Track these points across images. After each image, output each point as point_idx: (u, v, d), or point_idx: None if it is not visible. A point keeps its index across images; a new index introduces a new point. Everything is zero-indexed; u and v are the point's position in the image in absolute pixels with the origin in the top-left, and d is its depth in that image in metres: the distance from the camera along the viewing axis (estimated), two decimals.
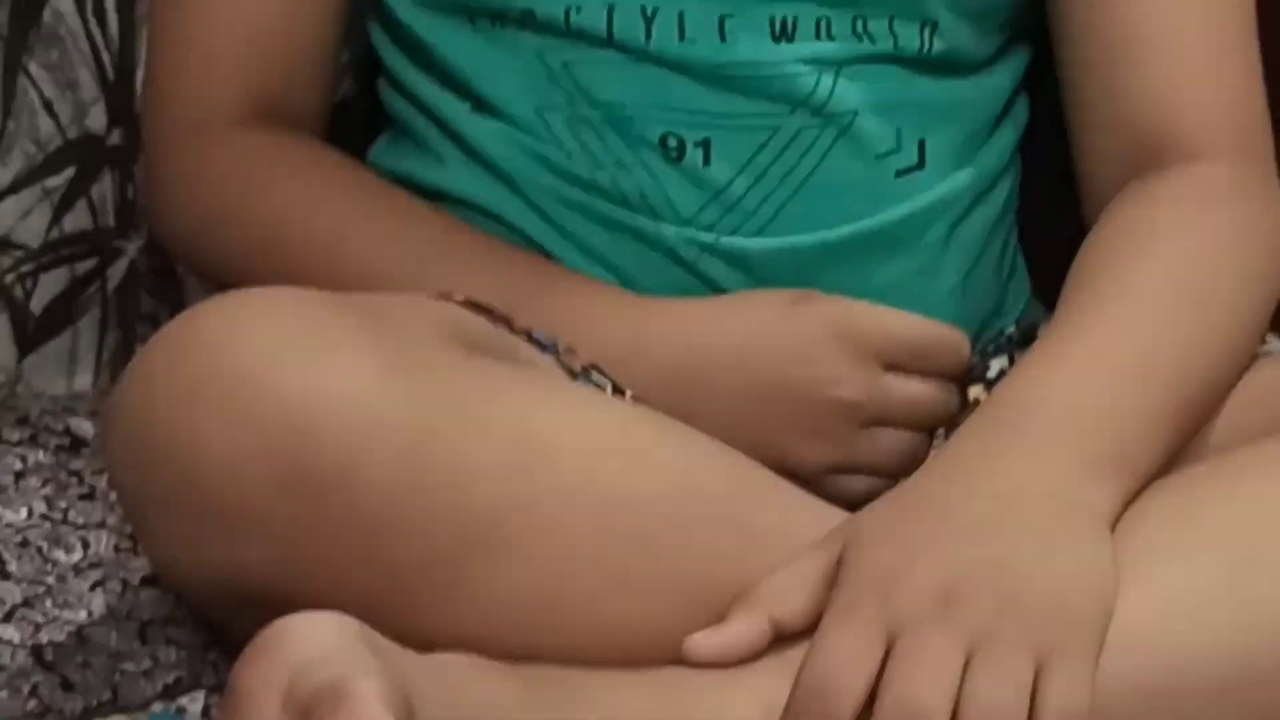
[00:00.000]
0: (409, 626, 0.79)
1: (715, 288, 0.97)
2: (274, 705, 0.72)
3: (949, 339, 0.95)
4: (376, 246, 0.95)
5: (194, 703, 0.85)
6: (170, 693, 0.86)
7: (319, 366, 0.79)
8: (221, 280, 0.96)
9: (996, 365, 1.00)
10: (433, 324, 0.85)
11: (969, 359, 0.96)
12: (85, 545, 0.95)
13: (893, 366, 0.93)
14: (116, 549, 0.95)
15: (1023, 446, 0.84)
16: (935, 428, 0.95)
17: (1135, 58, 0.97)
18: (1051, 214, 1.03)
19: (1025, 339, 1.01)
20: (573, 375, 0.91)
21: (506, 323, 0.91)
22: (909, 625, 0.79)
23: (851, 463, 0.93)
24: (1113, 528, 0.84)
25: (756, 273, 0.96)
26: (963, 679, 0.78)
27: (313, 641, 0.73)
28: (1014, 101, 1.04)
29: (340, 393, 0.78)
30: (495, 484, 0.80)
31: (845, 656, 0.79)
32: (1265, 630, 0.81)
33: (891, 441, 0.93)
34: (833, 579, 0.82)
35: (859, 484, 0.93)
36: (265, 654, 0.73)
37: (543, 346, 0.91)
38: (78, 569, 0.93)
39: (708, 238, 0.96)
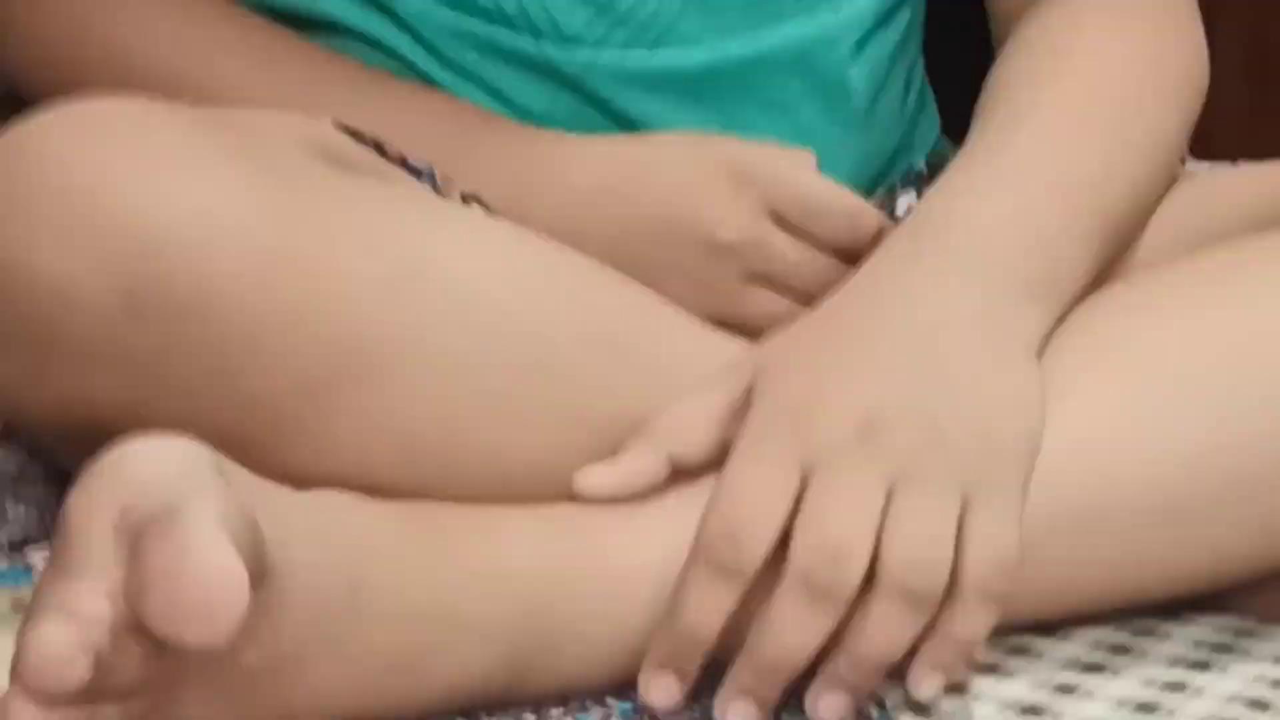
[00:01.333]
0: (278, 464, 0.72)
1: (605, 110, 0.90)
2: (105, 532, 0.65)
3: (849, 205, 0.87)
4: (243, 77, 0.88)
5: (42, 558, 0.78)
6: (17, 548, 0.80)
7: (169, 177, 0.71)
8: None
9: (904, 201, 0.95)
10: (299, 141, 0.78)
11: (867, 235, 0.87)
12: None
13: (783, 223, 0.86)
14: None
15: (947, 268, 0.79)
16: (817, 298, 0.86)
17: None
18: (961, 49, 0.98)
19: (934, 174, 0.95)
20: None
21: (378, 147, 0.84)
22: (826, 459, 0.74)
23: (729, 320, 0.85)
24: (1039, 351, 0.79)
25: (649, 90, 0.90)
26: (884, 516, 0.73)
27: (152, 466, 0.66)
28: None
29: (192, 205, 0.71)
30: (371, 305, 0.73)
31: (756, 493, 0.73)
32: (1191, 454, 0.78)
33: (771, 305, 0.86)
34: (740, 410, 0.77)
35: None
36: (99, 479, 0.67)
37: (418, 173, 0.85)
38: None
39: (594, 55, 0.90)
